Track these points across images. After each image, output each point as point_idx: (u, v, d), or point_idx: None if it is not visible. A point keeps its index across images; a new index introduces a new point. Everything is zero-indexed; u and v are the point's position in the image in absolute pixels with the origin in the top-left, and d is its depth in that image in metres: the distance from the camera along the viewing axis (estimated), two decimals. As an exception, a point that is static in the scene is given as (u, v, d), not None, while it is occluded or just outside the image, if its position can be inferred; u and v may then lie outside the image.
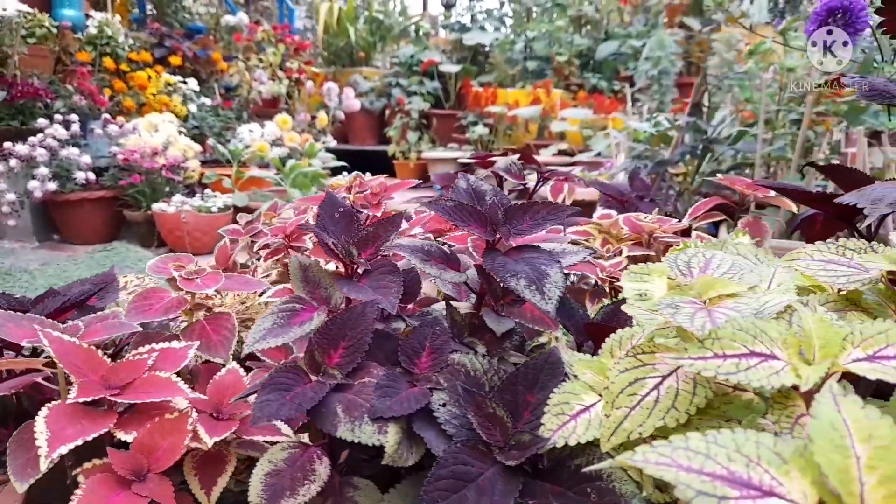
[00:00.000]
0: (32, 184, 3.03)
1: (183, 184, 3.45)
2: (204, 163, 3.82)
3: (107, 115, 3.52)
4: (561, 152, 5.58)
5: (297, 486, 0.59)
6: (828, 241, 0.63)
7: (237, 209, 3.06)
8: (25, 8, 3.58)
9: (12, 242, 3.24)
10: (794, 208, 1.25)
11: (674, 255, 0.62)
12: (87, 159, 3.23)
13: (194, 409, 0.72)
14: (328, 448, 0.67)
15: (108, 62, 4.06)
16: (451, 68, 6.74)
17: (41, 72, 3.71)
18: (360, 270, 0.76)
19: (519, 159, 1.41)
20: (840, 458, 0.36)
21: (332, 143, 5.05)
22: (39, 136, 3.16)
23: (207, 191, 3.36)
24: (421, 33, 7.60)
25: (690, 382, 0.52)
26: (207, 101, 4.48)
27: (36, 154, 3.08)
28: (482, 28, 7.95)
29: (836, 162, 2.48)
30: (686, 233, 1.25)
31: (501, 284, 0.69)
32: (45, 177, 3.07)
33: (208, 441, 0.67)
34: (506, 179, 1.35)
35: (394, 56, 7.26)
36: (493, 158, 1.39)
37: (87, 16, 4.30)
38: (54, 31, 3.85)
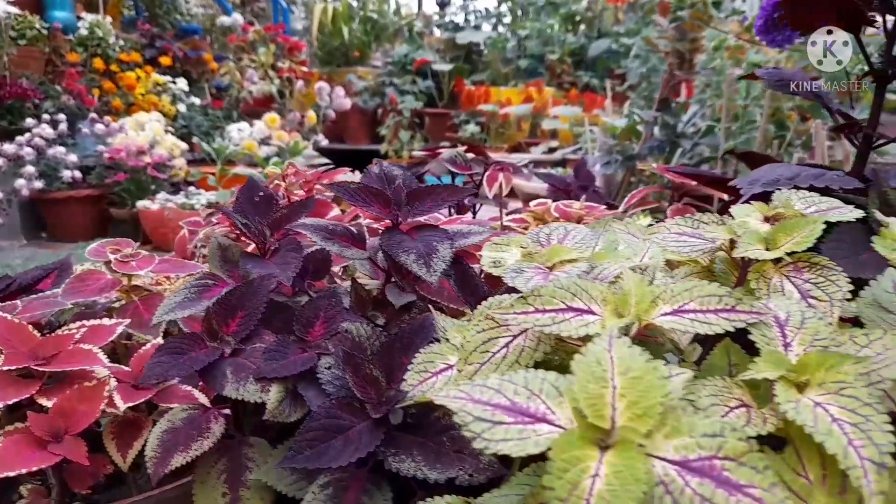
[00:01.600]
0: (19, 182, 3.10)
1: (169, 181, 3.51)
2: (191, 161, 3.88)
3: (94, 115, 3.59)
4: (552, 150, 5.65)
5: (190, 442, 0.65)
6: (687, 215, 0.68)
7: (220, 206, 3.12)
8: (15, 10, 3.65)
9: (0, 240, 3.30)
10: (725, 196, 1.30)
11: (536, 229, 0.67)
12: (73, 158, 3.30)
13: (114, 379, 0.77)
14: (233, 412, 0.73)
15: (97, 63, 4.12)
16: (443, 67, 6.80)
17: (32, 73, 3.77)
18: (271, 249, 0.81)
19: (466, 151, 1.46)
20: (597, 388, 0.41)
21: (324, 142, 5.11)
22: (27, 135, 3.22)
23: (192, 188, 3.42)
24: (415, 32, 7.66)
25: (535, 340, 0.57)
26: (197, 101, 4.54)
27: (23, 153, 3.14)
28: (476, 27, 8.00)
29: (802, 155, 2.53)
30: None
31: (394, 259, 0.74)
32: (32, 175, 3.13)
33: (121, 406, 0.72)
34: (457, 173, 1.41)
35: (388, 55, 7.32)
36: (440, 150, 1.44)
37: (79, 17, 4.36)
38: (45, 32, 3.92)
